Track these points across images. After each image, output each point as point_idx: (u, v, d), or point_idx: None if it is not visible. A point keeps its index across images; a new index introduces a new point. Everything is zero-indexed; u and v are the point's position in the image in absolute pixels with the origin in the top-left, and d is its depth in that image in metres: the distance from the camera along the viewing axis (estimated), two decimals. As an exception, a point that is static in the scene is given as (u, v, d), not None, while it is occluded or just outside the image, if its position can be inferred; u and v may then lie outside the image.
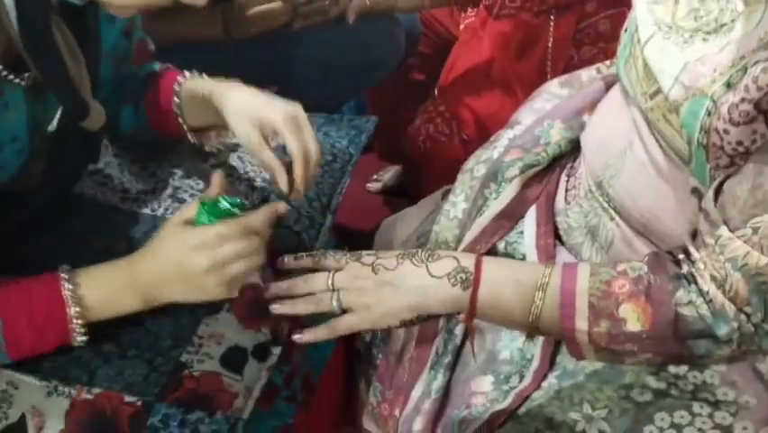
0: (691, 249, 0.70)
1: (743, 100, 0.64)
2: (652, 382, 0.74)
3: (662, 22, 0.76)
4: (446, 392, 0.85)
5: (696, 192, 0.74)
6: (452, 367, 0.86)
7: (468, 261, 0.77)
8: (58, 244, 0.89)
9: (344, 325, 0.79)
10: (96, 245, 0.91)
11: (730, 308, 0.66)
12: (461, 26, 1.51)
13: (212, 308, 0.84)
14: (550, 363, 0.80)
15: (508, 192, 0.92)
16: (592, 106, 0.98)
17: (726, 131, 0.66)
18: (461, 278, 0.76)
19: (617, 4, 1.36)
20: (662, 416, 0.72)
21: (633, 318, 0.69)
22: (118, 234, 0.94)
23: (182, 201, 0.99)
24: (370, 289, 0.78)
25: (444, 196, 1.10)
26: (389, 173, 1.89)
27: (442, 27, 1.57)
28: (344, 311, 0.79)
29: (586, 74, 1.08)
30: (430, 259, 0.77)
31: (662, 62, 0.73)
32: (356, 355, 1.05)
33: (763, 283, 0.64)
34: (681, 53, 0.71)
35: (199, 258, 0.73)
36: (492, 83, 1.36)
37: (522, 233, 0.90)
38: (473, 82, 1.36)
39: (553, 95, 1.06)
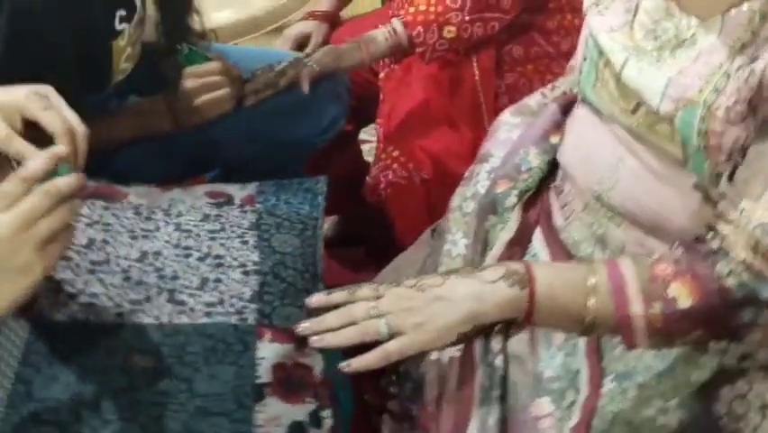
0: (718, 226, 0.76)
1: (737, 102, 0.72)
2: (704, 361, 0.81)
3: (628, 47, 0.84)
4: (504, 426, 0.87)
5: (698, 186, 0.82)
6: (503, 398, 0.88)
7: (516, 265, 0.79)
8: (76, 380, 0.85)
9: (396, 348, 0.76)
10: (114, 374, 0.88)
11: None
12: (381, 75, 1.57)
13: (257, 394, 0.84)
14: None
15: (513, 220, 0.97)
16: (556, 128, 1.05)
17: (723, 132, 0.74)
18: (515, 278, 0.77)
19: (525, 32, 1.47)
20: (726, 390, 0.79)
21: (683, 296, 0.74)
22: (132, 351, 0.91)
23: (182, 303, 0.97)
24: (419, 307, 0.76)
25: (433, 235, 1.14)
26: (327, 224, 1.91)
27: (362, 78, 1.63)
28: (392, 337, 0.76)
29: (533, 100, 1.16)
30: (478, 270, 0.79)
31: (644, 81, 0.80)
32: (387, 414, 1.05)
33: None
34: (659, 71, 0.79)
35: None
36: (435, 121, 1.42)
37: (535, 255, 0.95)
38: (417, 124, 1.42)
39: (511, 125, 1.12)
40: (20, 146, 0.71)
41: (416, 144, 1.41)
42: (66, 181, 0.65)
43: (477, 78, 1.43)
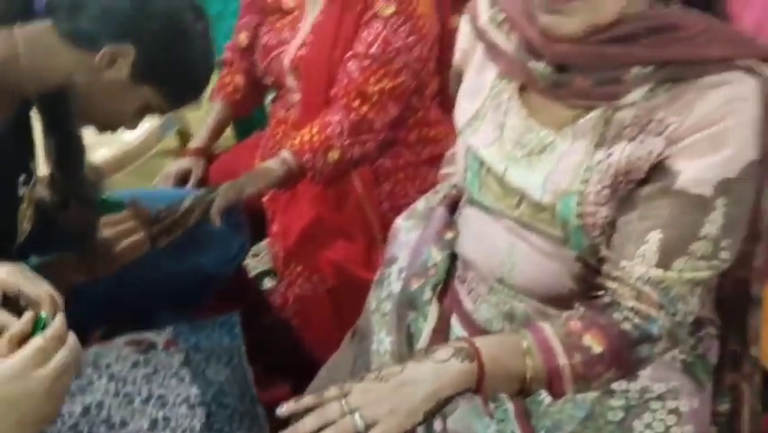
0: (607, 284, 0.93)
1: (602, 188, 0.91)
2: (614, 403, 0.96)
3: (504, 157, 1.02)
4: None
5: (578, 258, 0.99)
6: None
7: (461, 342, 0.89)
8: None
9: None
10: None
11: (654, 313, 0.89)
12: (265, 198, 1.69)
13: None
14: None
15: (433, 312, 1.10)
16: (448, 227, 1.21)
17: (595, 213, 0.92)
18: (464, 354, 0.86)
19: (392, 146, 1.65)
20: (637, 423, 0.94)
21: (595, 344, 0.88)
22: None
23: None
24: (387, 395, 0.83)
25: (353, 337, 1.24)
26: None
27: (249, 201, 1.74)
28: (368, 429, 0.81)
29: (420, 205, 1.32)
30: (428, 353, 0.88)
31: (526, 182, 0.98)
32: None
33: (666, 287, 0.89)
34: (535, 172, 0.97)
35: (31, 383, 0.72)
36: (330, 234, 1.54)
37: (457, 338, 1.08)
38: (314, 238, 1.53)
39: (408, 228, 1.26)
40: (3, 317, 0.80)
41: (316, 257, 1.52)
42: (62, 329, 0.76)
43: (360, 190, 1.58)
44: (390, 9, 1.44)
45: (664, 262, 0.89)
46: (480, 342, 0.89)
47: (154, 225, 1.28)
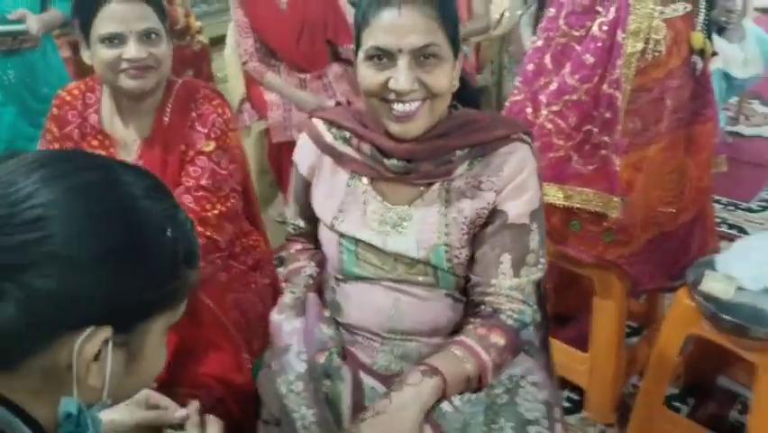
0: (485, 300, 1.28)
1: (462, 235, 1.28)
2: (497, 391, 1.26)
3: (374, 233, 1.33)
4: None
5: (447, 295, 1.34)
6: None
7: (420, 366, 1.17)
8: None
9: None
10: None
11: (523, 307, 1.27)
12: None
13: None
14: None
15: (346, 374, 1.32)
16: (323, 306, 1.47)
17: (459, 255, 1.29)
18: (428, 373, 1.16)
19: (225, 261, 1.87)
20: (518, 399, 1.26)
21: (499, 339, 1.23)
22: None
23: None
24: (390, 422, 1.11)
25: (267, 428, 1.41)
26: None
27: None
28: None
29: (288, 298, 1.52)
30: (402, 382, 1.16)
31: (401, 246, 1.31)
32: None
33: (522, 289, 1.27)
34: (407, 237, 1.30)
35: None
36: (197, 350, 1.63)
37: (373, 388, 1.33)
38: (185, 357, 1.61)
39: (286, 319, 1.45)
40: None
41: (195, 375, 1.64)
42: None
43: (212, 305, 1.76)
44: (211, 145, 1.66)
45: (516, 273, 1.28)
46: (434, 361, 1.18)
47: None
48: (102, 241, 0.65)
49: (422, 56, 1.21)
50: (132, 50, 1.55)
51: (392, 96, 1.23)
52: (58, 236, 0.63)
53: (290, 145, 2.86)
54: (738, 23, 3.59)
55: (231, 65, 3.17)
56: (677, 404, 2.13)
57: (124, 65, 1.56)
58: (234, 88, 3.18)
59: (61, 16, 2.52)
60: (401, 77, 1.20)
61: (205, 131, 1.67)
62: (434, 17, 1.20)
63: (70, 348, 0.65)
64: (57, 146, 1.70)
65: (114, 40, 1.55)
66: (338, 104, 2.88)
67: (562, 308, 2.38)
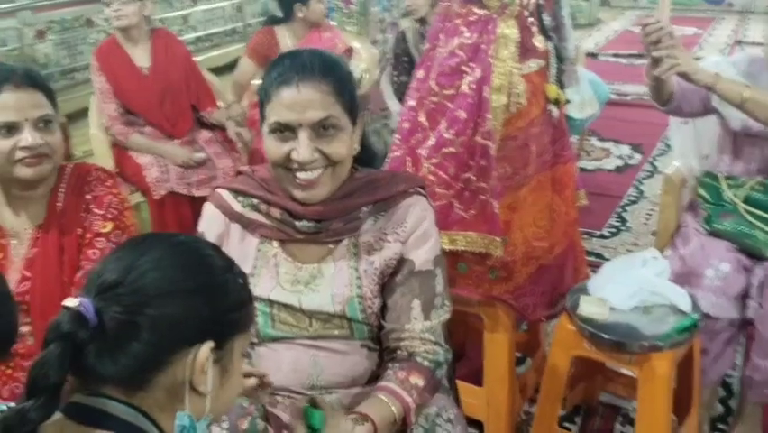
0: (401, 344, 1.36)
1: (374, 285, 1.36)
2: (418, 431, 1.36)
3: (290, 293, 1.38)
4: None
5: (362, 345, 1.40)
6: None
7: (351, 414, 1.23)
8: None
9: None
10: None
11: (436, 348, 1.36)
12: None
13: None
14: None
15: None
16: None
17: (372, 305, 1.36)
18: (361, 420, 1.21)
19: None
20: None
21: (418, 380, 1.31)
22: None
23: None
24: None
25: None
26: None
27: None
28: None
29: None
30: (339, 430, 1.20)
31: (317, 304, 1.36)
32: None
33: (434, 331, 1.37)
34: (320, 293, 1.36)
35: None
36: None
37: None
38: None
39: None
40: None
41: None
42: None
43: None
44: (109, 226, 1.66)
45: (427, 316, 1.37)
46: (363, 409, 1.24)
47: None
48: (195, 279, 0.90)
49: (321, 127, 1.30)
50: (28, 137, 1.54)
51: (295, 166, 1.31)
52: (167, 278, 0.88)
53: (172, 199, 2.87)
54: (573, 69, 4.00)
55: (97, 141, 3.12)
56: (567, 424, 2.29)
57: (20, 154, 1.55)
58: (103, 164, 3.12)
59: None
60: (302, 149, 1.29)
61: (102, 212, 1.67)
62: (330, 92, 1.30)
63: (185, 363, 0.87)
64: None
65: (9, 129, 1.54)
66: (239, 173, 2.90)
67: (453, 346, 2.51)
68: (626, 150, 4.81)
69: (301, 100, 1.28)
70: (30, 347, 1.65)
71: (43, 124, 1.57)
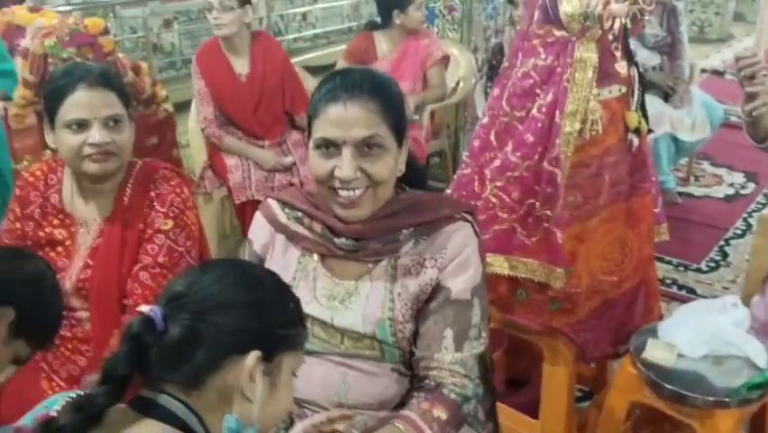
0: (429, 374, 1.32)
1: (406, 310, 1.33)
2: None
3: (324, 308, 1.38)
4: None
5: (393, 369, 1.38)
6: None
7: None
8: None
9: None
10: None
11: (465, 382, 1.31)
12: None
13: None
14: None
15: None
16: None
17: (404, 328, 1.33)
18: None
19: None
20: None
21: (442, 413, 1.27)
22: None
23: None
24: None
25: None
26: None
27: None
28: None
29: None
30: None
31: (348, 320, 1.35)
32: None
33: (465, 363, 1.32)
34: (353, 311, 1.35)
35: None
36: None
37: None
38: None
39: None
40: None
41: None
42: None
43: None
44: (169, 224, 1.71)
45: (459, 347, 1.33)
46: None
47: None
48: (248, 295, 1.00)
49: (365, 146, 1.29)
50: (96, 135, 1.61)
51: (338, 184, 1.30)
52: (224, 293, 0.98)
53: (252, 204, 2.96)
54: (685, 89, 3.78)
55: (194, 134, 3.24)
56: (628, 468, 2.16)
57: (88, 150, 1.62)
58: (197, 156, 3.25)
59: None
60: (344, 166, 1.28)
61: (164, 210, 1.72)
62: (377, 111, 1.28)
63: (235, 369, 0.96)
64: (19, 225, 1.75)
65: (80, 125, 1.62)
66: (291, 184, 2.96)
67: (516, 372, 2.43)
68: (739, 178, 4.49)
69: (347, 117, 1.27)
70: (87, 332, 1.73)
71: (113, 122, 1.64)
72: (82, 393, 0.93)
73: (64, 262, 1.72)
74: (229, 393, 0.97)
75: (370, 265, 1.38)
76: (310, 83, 3.40)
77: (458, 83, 3.71)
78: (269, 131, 3.15)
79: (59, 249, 1.74)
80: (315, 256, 1.41)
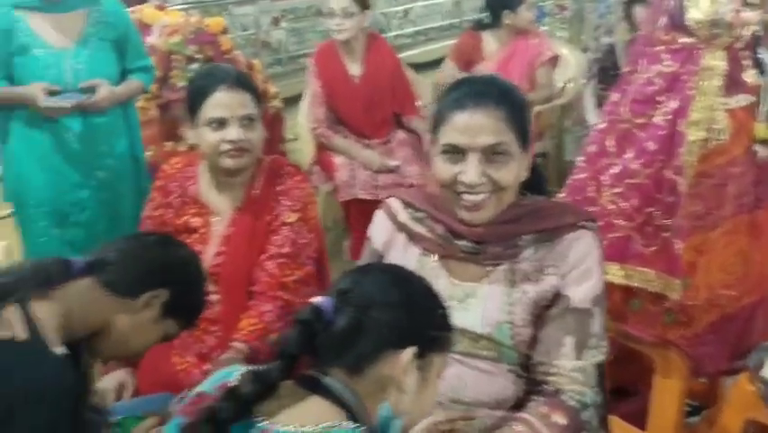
0: (548, 379, 1.33)
1: (526, 314, 1.34)
2: None
3: None
4: None
5: (510, 370, 1.39)
6: None
7: None
8: None
9: None
10: None
11: (584, 389, 1.31)
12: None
13: None
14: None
15: None
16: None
17: (521, 332, 1.35)
18: None
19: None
20: None
21: (561, 419, 1.28)
22: None
23: None
24: None
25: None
26: None
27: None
28: None
29: None
30: None
31: (467, 321, 1.36)
32: None
33: (584, 371, 1.32)
34: (473, 313, 1.37)
35: None
36: None
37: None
38: None
39: None
40: None
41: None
42: None
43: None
44: (294, 217, 1.82)
45: (579, 356, 1.33)
46: None
47: None
48: (406, 297, 1.08)
49: (491, 153, 1.31)
50: (233, 133, 1.73)
51: (462, 189, 1.33)
52: (383, 292, 1.07)
53: (356, 202, 3.03)
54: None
55: (303, 129, 3.34)
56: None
57: (225, 146, 1.74)
58: (305, 151, 3.34)
59: (139, 87, 2.61)
60: (470, 171, 1.30)
61: (290, 204, 1.83)
62: (503, 118, 1.30)
63: (392, 362, 1.04)
64: (160, 212, 1.89)
65: (219, 123, 1.74)
66: (411, 185, 3.01)
67: (622, 381, 2.38)
68: None
69: (474, 125, 1.30)
70: (217, 314, 1.82)
71: (247, 121, 1.76)
72: (258, 368, 1.03)
73: (199, 248, 1.82)
74: (384, 384, 1.05)
75: (489, 268, 1.40)
76: (414, 81, 3.44)
77: (566, 84, 3.66)
78: (378, 131, 3.21)
79: (195, 236, 1.85)
80: (435, 256, 1.44)
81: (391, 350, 1.04)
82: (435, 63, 4.84)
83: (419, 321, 1.07)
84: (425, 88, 3.55)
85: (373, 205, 3.04)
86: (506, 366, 1.40)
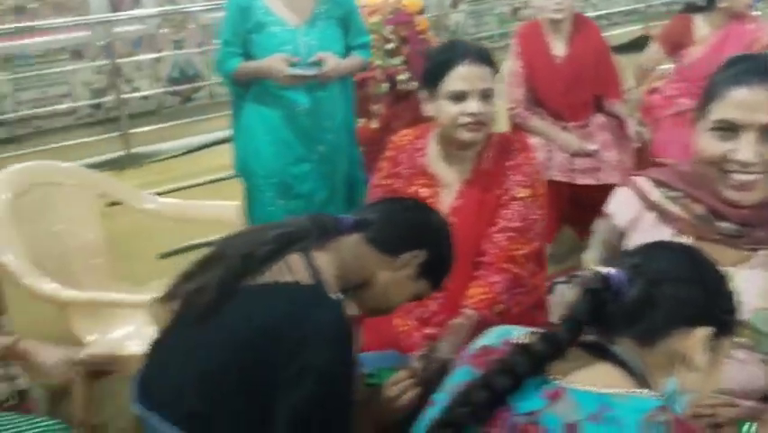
0: None
1: None
2: None
3: None
4: None
5: (765, 361, 1.35)
6: None
7: None
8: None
9: None
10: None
11: None
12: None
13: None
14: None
15: None
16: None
17: None
18: None
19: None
20: None
21: None
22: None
23: None
24: None
25: None
26: None
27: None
28: None
29: None
30: None
31: None
32: None
33: None
34: None
35: None
36: None
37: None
38: None
39: None
40: None
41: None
42: None
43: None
44: (526, 192, 1.85)
45: None
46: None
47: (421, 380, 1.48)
48: (702, 276, 1.08)
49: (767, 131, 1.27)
50: (473, 105, 1.79)
51: (732, 168, 1.30)
52: (679, 268, 1.08)
53: (550, 184, 2.98)
54: None
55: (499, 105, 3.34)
56: None
57: (464, 119, 1.80)
58: (499, 128, 3.34)
59: (361, 62, 2.75)
60: (746, 150, 1.28)
61: (520, 179, 1.85)
62: None
63: (684, 338, 1.04)
64: (390, 181, 1.97)
65: (458, 97, 1.80)
66: (659, 165, 2.93)
67: None
68: None
69: (753, 101, 1.27)
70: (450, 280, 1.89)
71: (486, 95, 1.80)
72: (548, 331, 1.06)
73: None
74: (673, 358, 1.05)
75: (747, 253, 1.37)
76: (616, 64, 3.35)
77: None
78: (577, 114, 3.16)
79: None
80: (690, 238, 1.42)
81: (684, 327, 1.04)
82: (618, 49, 4.67)
83: (713, 301, 1.07)
84: (626, 72, 3.45)
85: (567, 187, 3.06)
86: (760, 355, 1.36)
